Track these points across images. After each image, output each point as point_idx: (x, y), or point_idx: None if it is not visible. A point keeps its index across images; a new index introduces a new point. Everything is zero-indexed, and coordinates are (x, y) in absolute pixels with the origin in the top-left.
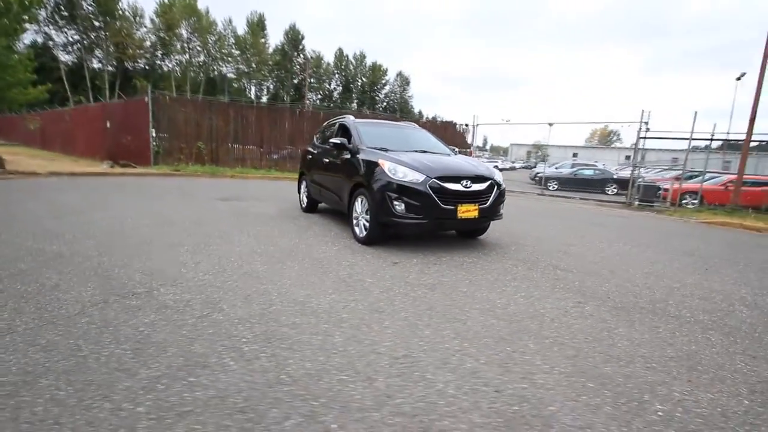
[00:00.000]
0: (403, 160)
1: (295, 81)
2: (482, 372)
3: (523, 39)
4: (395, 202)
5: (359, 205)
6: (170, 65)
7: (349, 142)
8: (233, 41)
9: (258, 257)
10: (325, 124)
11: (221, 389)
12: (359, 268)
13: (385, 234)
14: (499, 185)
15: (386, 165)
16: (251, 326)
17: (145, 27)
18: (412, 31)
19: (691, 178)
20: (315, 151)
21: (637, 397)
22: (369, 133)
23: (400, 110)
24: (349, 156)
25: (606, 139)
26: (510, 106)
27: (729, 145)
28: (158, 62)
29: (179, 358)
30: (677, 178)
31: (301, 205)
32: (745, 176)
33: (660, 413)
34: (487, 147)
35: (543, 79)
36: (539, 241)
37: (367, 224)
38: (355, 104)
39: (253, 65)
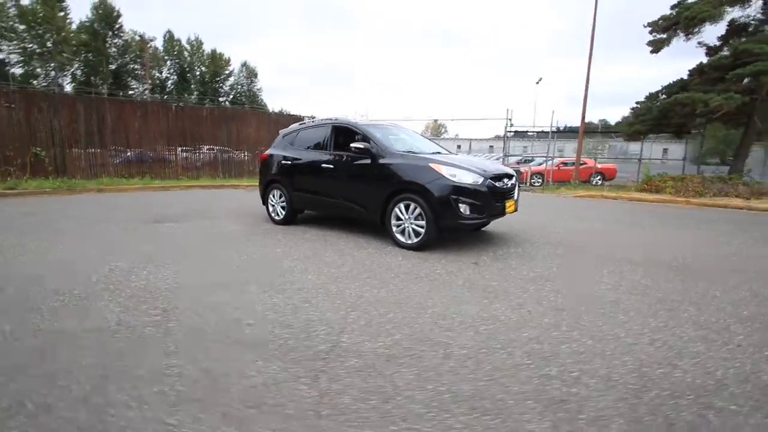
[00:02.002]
0: (452, 162)
1: (113, 67)
2: (737, 351)
3: (358, 36)
4: (461, 205)
5: (405, 212)
6: None
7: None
8: (17, 12)
9: (353, 283)
10: (297, 126)
11: None
12: (460, 274)
13: (440, 237)
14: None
15: (443, 169)
16: (538, 367)
17: None
18: (246, 18)
19: (527, 162)
20: (298, 158)
21: None
22: (383, 136)
23: (250, 103)
24: (369, 161)
25: (437, 131)
26: (354, 99)
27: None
28: None
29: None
30: (518, 163)
31: (272, 217)
32: (563, 159)
33: None
34: None
35: (379, 75)
36: (530, 226)
37: (419, 230)
38: (194, 96)
39: (49, 44)
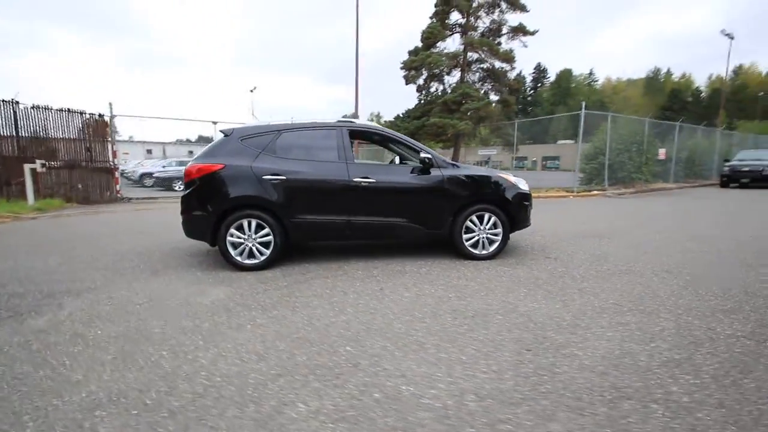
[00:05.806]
0: (503, 172)
1: None
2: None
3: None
4: (530, 210)
5: (480, 223)
6: None
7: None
8: None
9: (568, 298)
10: (265, 127)
11: None
12: (582, 271)
13: None
14: None
15: (512, 179)
16: None
17: None
18: None
19: None
20: (298, 171)
21: None
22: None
23: None
24: (423, 173)
25: (100, 131)
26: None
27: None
28: None
29: None
30: None
31: (236, 262)
32: None
33: None
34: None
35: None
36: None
37: (494, 239)
38: None
39: None
